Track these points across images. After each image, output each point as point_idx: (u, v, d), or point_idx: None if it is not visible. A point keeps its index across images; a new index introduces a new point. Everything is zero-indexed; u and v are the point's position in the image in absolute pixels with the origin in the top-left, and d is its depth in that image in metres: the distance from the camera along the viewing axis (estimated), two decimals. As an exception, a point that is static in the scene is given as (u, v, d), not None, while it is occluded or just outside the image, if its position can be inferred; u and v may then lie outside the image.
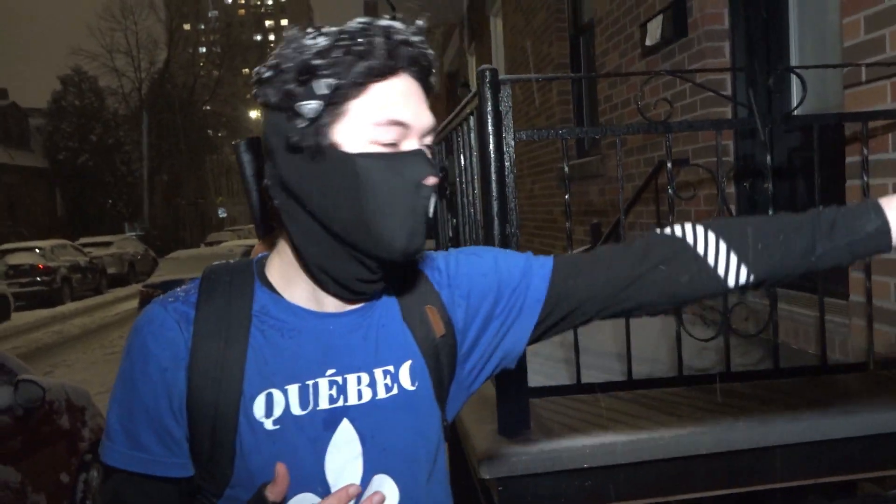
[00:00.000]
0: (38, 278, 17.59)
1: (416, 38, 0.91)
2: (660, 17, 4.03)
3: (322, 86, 0.86)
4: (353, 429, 0.93)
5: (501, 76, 2.05)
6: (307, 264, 0.94)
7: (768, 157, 2.21)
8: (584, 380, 2.29)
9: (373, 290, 0.97)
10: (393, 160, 0.88)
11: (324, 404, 0.93)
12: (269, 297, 0.96)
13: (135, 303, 13.47)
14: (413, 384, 0.98)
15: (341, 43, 0.86)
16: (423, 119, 0.91)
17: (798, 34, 3.31)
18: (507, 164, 2.05)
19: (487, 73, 2.02)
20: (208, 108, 43.81)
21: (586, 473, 2.02)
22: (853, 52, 2.58)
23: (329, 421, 0.92)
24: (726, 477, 2.14)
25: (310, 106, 0.86)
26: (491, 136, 2.02)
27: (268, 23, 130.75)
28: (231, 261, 1.03)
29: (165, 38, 41.56)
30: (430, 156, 0.92)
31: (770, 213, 2.25)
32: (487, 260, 1.08)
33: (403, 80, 0.90)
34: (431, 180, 0.90)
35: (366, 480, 0.94)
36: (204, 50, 54.70)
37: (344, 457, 0.93)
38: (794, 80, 3.08)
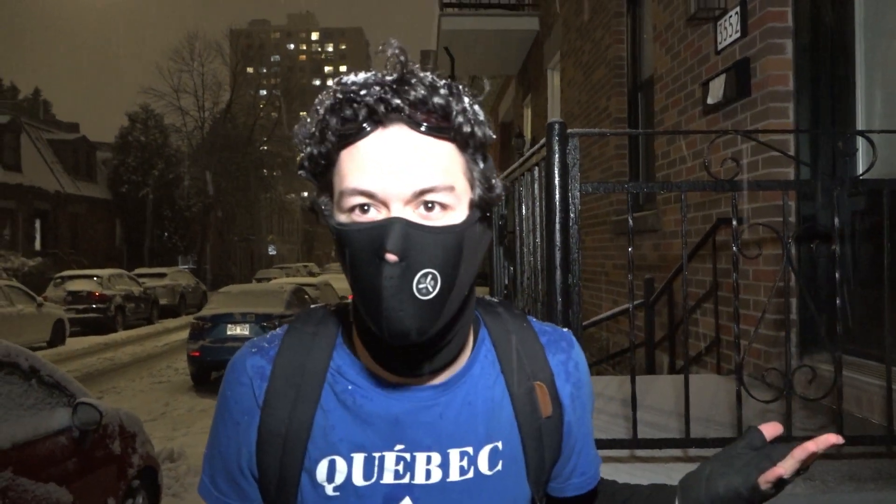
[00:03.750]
0: (94, 305, 18.15)
1: (381, 88, 0.80)
2: (723, 77, 4.05)
3: (304, 158, 0.85)
4: None
5: (570, 130, 2.09)
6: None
7: (836, 220, 2.19)
8: (640, 436, 2.26)
9: (416, 372, 0.89)
10: (352, 232, 0.80)
11: (388, 479, 0.88)
12: (346, 358, 0.92)
13: (184, 334, 13.75)
14: (494, 467, 0.91)
15: (314, 116, 0.84)
16: (399, 183, 0.79)
17: (865, 97, 3.30)
18: (571, 215, 2.07)
19: (556, 126, 2.07)
20: (265, 148, 45.10)
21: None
22: (924, 117, 2.56)
23: (390, 497, 0.87)
24: (785, 546, 2.08)
25: (302, 173, 0.87)
26: (557, 188, 2.05)
27: (327, 68, 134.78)
28: (328, 305, 1.00)
29: (229, 80, 43.21)
30: (416, 223, 0.79)
31: (837, 276, 2.22)
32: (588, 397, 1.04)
33: (375, 139, 0.80)
34: (390, 257, 0.77)
35: None
36: (265, 92, 56.57)
37: None
38: (861, 144, 3.05)
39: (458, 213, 0.82)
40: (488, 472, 0.90)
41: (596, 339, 6.90)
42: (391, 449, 0.88)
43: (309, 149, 0.84)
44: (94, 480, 3.86)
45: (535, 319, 1.04)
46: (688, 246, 4.21)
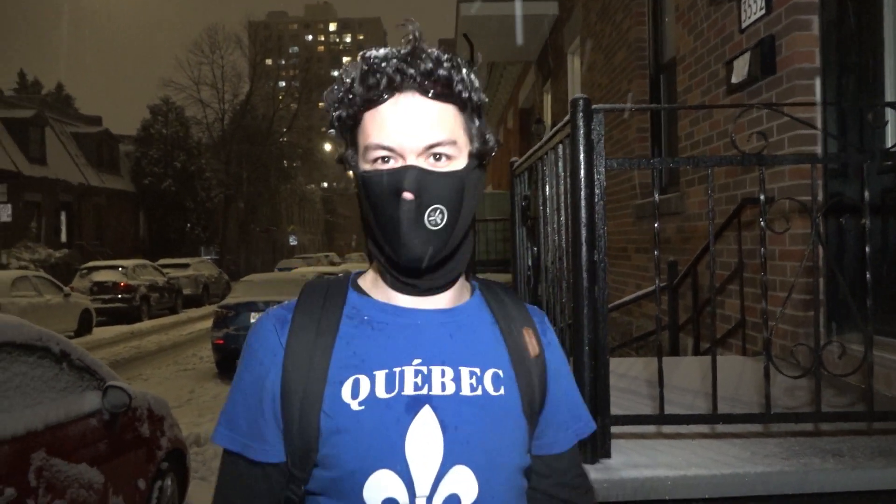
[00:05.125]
0: (120, 295, 18.42)
1: (398, 61, 0.97)
2: (747, 55, 4.00)
3: (333, 119, 1.02)
4: (435, 417, 0.99)
5: (594, 105, 2.08)
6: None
7: (866, 193, 2.16)
8: (667, 412, 2.26)
9: (427, 285, 1.04)
10: (375, 177, 0.99)
11: (408, 390, 0.99)
12: (360, 299, 1.07)
13: (207, 323, 13.90)
14: (498, 390, 1.03)
15: (342, 83, 1.01)
16: (413, 139, 0.97)
17: (894, 70, 3.23)
18: (597, 190, 2.06)
19: (581, 101, 2.06)
20: (285, 139, 45.26)
21: (668, 506, 1.98)
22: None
23: (411, 405, 0.98)
24: (813, 521, 2.07)
25: (332, 132, 1.04)
26: (582, 164, 2.04)
27: (345, 59, 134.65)
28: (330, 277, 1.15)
29: (249, 72, 43.42)
30: (427, 169, 0.97)
31: (867, 251, 2.19)
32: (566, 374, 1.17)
33: (393, 103, 0.98)
34: (406, 195, 0.96)
35: (445, 468, 0.98)
36: (284, 84, 56.77)
37: (424, 440, 0.97)
38: (892, 117, 3.00)
39: (459, 162, 1.01)
40: (494, 393, 1.03)
41: (619, 323, 6.88)
42: (409, 363, 1.01)
43: (338, 112, 1.02)
44: (124, 461, 3.93)
45: None
46: (713, 226, 4.19)
